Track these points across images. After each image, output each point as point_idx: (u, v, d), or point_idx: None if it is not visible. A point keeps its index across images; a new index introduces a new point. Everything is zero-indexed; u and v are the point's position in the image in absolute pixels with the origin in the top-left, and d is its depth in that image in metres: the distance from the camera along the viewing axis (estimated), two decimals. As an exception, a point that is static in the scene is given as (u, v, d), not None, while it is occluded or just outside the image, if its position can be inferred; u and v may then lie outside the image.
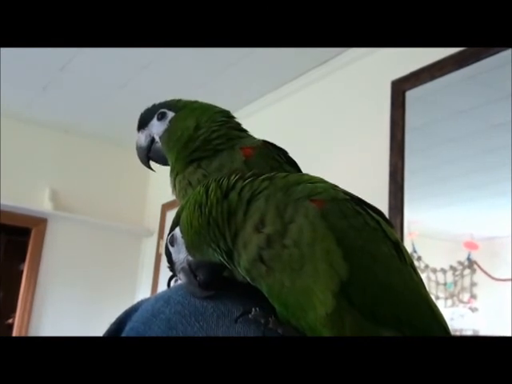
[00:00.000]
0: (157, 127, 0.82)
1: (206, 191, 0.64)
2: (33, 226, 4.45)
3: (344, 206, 0.60)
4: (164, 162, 0.84)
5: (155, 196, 4.70)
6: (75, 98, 4.09)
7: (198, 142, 0.78)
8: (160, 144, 0.82)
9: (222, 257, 0.62)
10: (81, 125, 4.52)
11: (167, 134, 0.81)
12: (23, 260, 4.50)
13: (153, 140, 0.83)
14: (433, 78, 2.59)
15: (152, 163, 0.87)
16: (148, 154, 0.85)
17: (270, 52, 3.17)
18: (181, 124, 0.80)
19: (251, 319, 0.61)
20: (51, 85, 3.85)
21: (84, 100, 4.10)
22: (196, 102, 0.84)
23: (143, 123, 0.84)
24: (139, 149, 0.85)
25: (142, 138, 0.84)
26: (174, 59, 3.38)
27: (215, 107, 0.84)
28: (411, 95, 2.72)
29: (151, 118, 0.83)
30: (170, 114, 0.82)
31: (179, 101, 0.84)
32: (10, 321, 4.57)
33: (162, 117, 0.82)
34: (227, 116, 0.82)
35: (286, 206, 0.59)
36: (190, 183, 0.76)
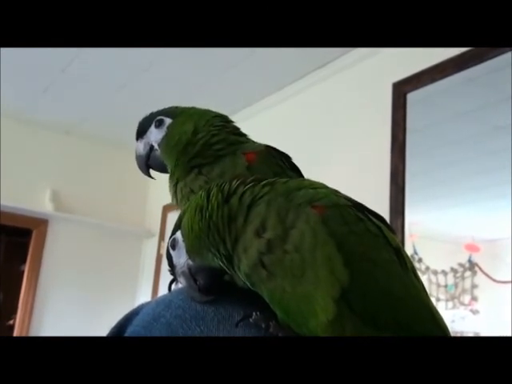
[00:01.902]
0: (155, 135, 0.82)
1: (208, 195, 0.64)
2: (34, 227, 4.45)
3: (345, 212, 0.59)
4: (163, 170, 0.84)
5: (156, 197, 4.70)
6: (76, 100, 4.09)
7: (198, 147, 0.77)
8: (159, 151, 0.82)
9: (222, 261, 0.62)
10: (82, 126, 4.52)
11: (165, 141, 0.80)
12: (24, 261, 4.50)
13: (151, 148, 0.83)
14: (434, 80, 2.59)
15: (152, 171, 0.87)
16: (147, 163, 0.84)
17: (270, 54, 3.17)
18: (178, 129, 0.80)
19: (252, 323, 0.61)
20: (52, 86, 3.86)
21: (85, 101, 4.10)
22: (193, 107, 0.84)
23: (141, 132, 0.83)
24: (138, 157, 0.85)
25: (141, 147, 0.84)
26: (174, 60, 3.38)
27: (212, 112, 0.83)
28: (412, 97, 2.72)
29: (149, 126, 0.82)
30: (168, 121, 0.81)
31: (176, 108, 0.84)
32: (11, 322, 4.57)
33: (159, 124, 0.81)
34: (225, 120, 0.82)
35: (287, 211, 0.59)
36: (192, 191, 0.76)
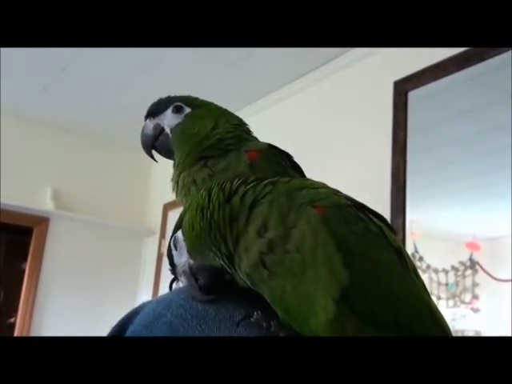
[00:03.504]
0: (170, 119, 0.82)
1: (209, 195, 0.65)
2: (35, 225, 4.45)
3: (346, 212, 0.60)
4: (167, 155, 0.84)
5: (157, 196, 4.70)
6: (76, 98, 4.09)
7: (213, 140, 0.78)
8: (170, 136, 0.82)
9: (223, 261, 0.63)
10: (82, 124, 4.52)
11: (181, 128, 0.81)
12: (25, 259, 4.50)
13: (162, 130, 0.83)
14: (435, 78, 2.59)
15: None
16: (154, 143, 0.84)
17: (270, 53, 3.17)
18: (198, 121, 0.81)
19: (253, 323, 0.61)
20: (52, 84, 3.86)
21: (85, 99, 4.10)
22: (212, 103, 0.85)
23: (154, 112, 0.84)
24: (145, 136, 0.84)
25: (150, 127, 0.83)
26: (174, 59, 3.38)
27: (231, 112, 0.84)
28: (414, 96, 2.71)
29: (165, 109, 0.83)
30: (187, 110, 0.82)
31: (196, 99, 0.85)
32: (12, 320, 4.58)
33: (177, 110, 0.82)
34: (241, 122, 0.84)
35: (289, 211, 0.59)
36: (194, 181, 0.76)
